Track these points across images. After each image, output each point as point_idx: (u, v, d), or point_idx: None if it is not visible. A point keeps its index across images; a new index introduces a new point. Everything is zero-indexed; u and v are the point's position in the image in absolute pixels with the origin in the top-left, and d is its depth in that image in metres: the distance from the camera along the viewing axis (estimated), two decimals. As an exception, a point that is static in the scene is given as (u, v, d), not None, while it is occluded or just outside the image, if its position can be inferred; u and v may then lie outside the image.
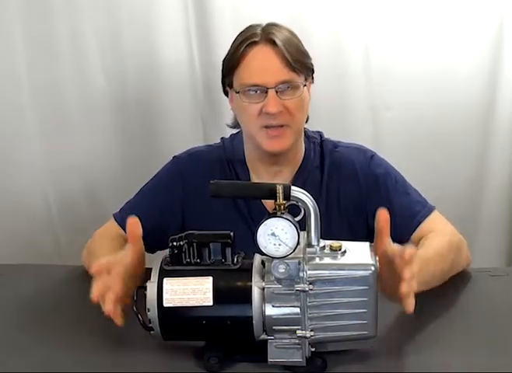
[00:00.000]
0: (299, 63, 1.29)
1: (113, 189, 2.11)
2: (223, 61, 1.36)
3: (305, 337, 0.93)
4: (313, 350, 0.96)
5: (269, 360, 0.95)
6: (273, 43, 1.28)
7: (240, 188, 1.03)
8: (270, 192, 0.93)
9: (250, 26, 1.33)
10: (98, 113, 2.07)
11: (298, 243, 0.90)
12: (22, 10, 1.97)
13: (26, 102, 2.04)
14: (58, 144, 2.09)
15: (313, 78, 1.38)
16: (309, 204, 0.94)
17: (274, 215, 0.91)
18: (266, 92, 1.27)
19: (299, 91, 1.30)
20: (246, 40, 1.29)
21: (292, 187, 0.94)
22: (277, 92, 1.27)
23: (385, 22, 1.97)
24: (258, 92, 1.28)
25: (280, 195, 0.92)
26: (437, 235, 1.28)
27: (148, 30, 2.00)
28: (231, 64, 1.31)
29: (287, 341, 0.95)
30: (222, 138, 1.49)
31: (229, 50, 1.34)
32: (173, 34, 1.99)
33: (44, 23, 1.98)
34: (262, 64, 1.28)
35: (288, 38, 1.30)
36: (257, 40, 1.28)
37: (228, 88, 1.37)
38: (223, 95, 1.99)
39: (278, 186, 0.92)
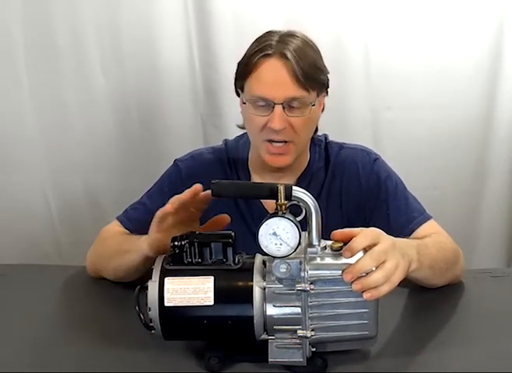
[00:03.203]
0: (311, 79, 1.26)
1: (113, 189, 2.11)
2: (238, 63, 1.34)
3: (306, 337, 0.93)
4: (313, 350, 0.96)
5: (270, 360, 0.95)
6: (286, 57, 1.24)
7: (241, 188, 1.03)
8: (271, 192, 0.93)
9: (268, 34, 1.30)
10: (98, 113, 2.07)
11: (299, 243, 0.90)
12: (22, 10, 1.97)
13: (26, 102, 2.04)
14: (58, 145, 2.09)
15: (327, 91, 1.35)
16: (310, 204, 0.94)
17: (275, 215, 0.91)
18: (273, 107, 1.25)
19: (307, 109, 1.27)
20: (260, 51, 1.26)
21: (294, 187, 0.94)
22: (284, 108, 1.25)
23: (385, 23, 1.98)
24: (265, 105, 1.26)
25: (281, 195, 0.92)
26: (439, 235, 1.28)
27: (148, 31, 2.00)
28: (243, 71, 1.29)
29: (288, 341, 0.95)
30: (225, 140, 1.48)
31: (245, 54, 1.31)
32: (173, 34, 2.00)
33: (44, 23, 1.98)
34: (272, 78, 1.25)
35: (303, 52, 1.27)
36: (270, 52, 1.25)
37: (240, 91, 1.35)
38: (223, 95, 2.02)
39: (279, 186, 0.92)
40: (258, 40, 1.31)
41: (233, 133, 1.51)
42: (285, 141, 1.28)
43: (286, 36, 1.29)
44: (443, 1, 1.97)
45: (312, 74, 1.26)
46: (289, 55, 1.24)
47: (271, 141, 1.28)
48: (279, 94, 1.25)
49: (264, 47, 1.27)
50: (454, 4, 1.97)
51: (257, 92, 1.27)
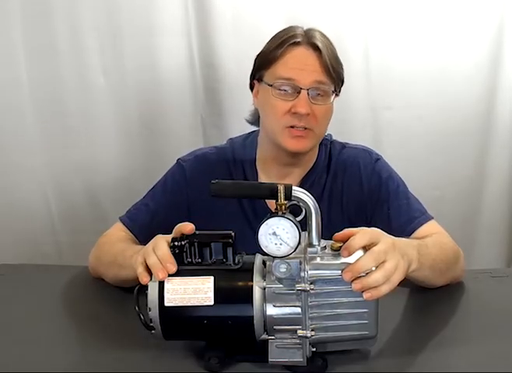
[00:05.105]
0: (335, 71, 1.31)
1: (113, 189, 2.11)
2: (257, 56, 1.37)
3: (306, 337, 0.93)
4: (313, 349, 0.96)
5: (270, 360, 0.95)
6: (315, 47, 1.29)
7: (240, 188, 1.03)
8: (271, 192, 0.93)
9: (291, 27, 1.35)
10: (98, 113, 2.07)
11: (299, 243, 0.90)
12: (22, 10, 1.97)
13: (26, 102, 2.04)
14: (58, 145, 2.09)
15: (340, 90, 1.38)
16: (310, 204, 0.94)
17: (275, 215, 0.91)
18: (298, 93, 1.28)
19: (329, 99, 1.32)
20: (288, 40, 1.30)
21: (294, 187, 0.94)
22: (308, 94, 1.28)
23: (385, 23, 1.98)
24: (291, 90, 1.29)
25: (281, 195, 0.92)
26: (440, 235, 1.28)
27: (148, 31, 2.00)
28: (268, 59, 1.32)
29: (288, 341, 0.95)
30: (230, 139, 1.48)
31: (267, 46, 1.34)
32: (173, 34, 2.00)
33: (44, 23, 1.98)
34: (300, 64, 1.29)
35: (328, 46, 1.32)
36: (299, 40, 1.30)
37: (256, 82, 1.38)
38: (223, 95, 2.02)
39: (279, 186, 0.92)
40: (282, 33, 1.34)
41: (234, 133, 1.51)
42: (306, 128, 1.30)
43: (310, 30, 1.33)
44: (443, 1, 1.97)
45: (335, 67, 1.31)
46: (319, 44, 1.29)
47: (292, 126, 1.30)
48: (306, 77, 1.28)
49: (290, 37, 1.31)
50: (454, 4, 1.97)
51: (284, 74, 1.30)
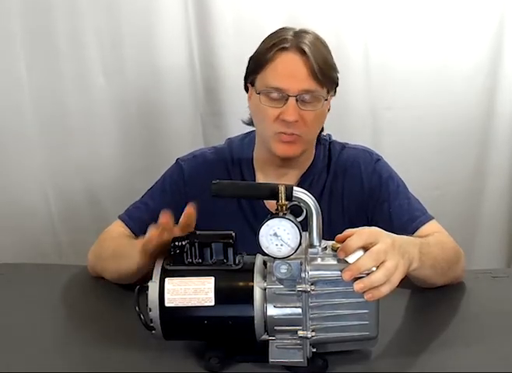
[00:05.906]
0: (325, 75, 1.29)
1: (113, 189, 2.11)
2: (250, 58, 1.36)
3: (306, 338, 0.93)
4: (314, 350, 0.96)
5: (270, 360, 0.95)
6: (302, 51, 1.27)
7: (241, 188, 1.03)
8: (271, 192, 0.93)
9: (282, 29, 1.33)
10: (98, 113, 2.06)
11: (300, 244, 0.90)
12: (22, 10, 1.96)
13: (26, 102, 2.04)
14: (58, 145, 2.08)
15: (335, 91, 1.37)
16: (311, 205, 0.94)
17: (276, 216, 0.91)
18: (287, 99, 1.28)
19: (319, 104, 1.30)
20: (276, 45, 1.29)
21: (295, 188, 0.94)
22: (297, 101, 1.27)
23: (385, 22, 1.98)
24: (279, 97, 1.28)
25: (282, 195, 0.92)
26: (441, 235, 1.28)
27: (148, 31, 1.99)
28: (257, 64, 1.32)
29: (288, 341, 0.95)
30: (228, 139, 1.48)
31: (258, 50, 1.34)
32: (173, 34, 1.99)
33: (44, 23, 1.98)
34: (288, 70, 1.28)
35: (318, 48, 1.30)
36: (287, 46, 1.28)
37: (249, 85, 1.37)
38: (223, 95, 2.02)
39: (280, 186, 0.92)
40: (272, 35, 1.33)
41: (233, 132, 1.51)
42: (295, 134, 1.30)
43: (302, 33, 1.32)
44: (443, 1, 1.97)
45: (325, 70, 1.29)
46: (306, 49, 1.27)
47: (282, 133, 1.30)
48: (294, 86, 1.27)
49: (280, 41, 1.29)
50: (454, 4, 1.97)
51: (272, 83, 1.29)
